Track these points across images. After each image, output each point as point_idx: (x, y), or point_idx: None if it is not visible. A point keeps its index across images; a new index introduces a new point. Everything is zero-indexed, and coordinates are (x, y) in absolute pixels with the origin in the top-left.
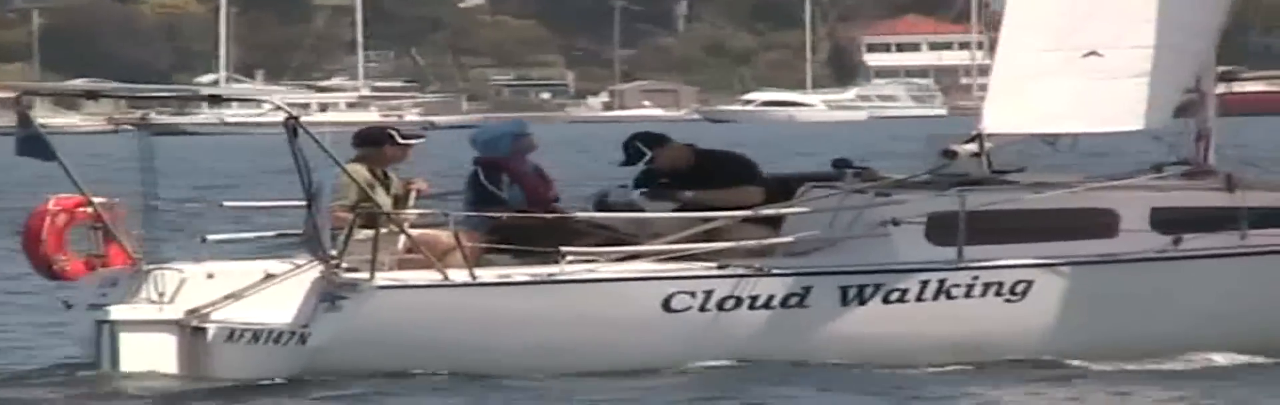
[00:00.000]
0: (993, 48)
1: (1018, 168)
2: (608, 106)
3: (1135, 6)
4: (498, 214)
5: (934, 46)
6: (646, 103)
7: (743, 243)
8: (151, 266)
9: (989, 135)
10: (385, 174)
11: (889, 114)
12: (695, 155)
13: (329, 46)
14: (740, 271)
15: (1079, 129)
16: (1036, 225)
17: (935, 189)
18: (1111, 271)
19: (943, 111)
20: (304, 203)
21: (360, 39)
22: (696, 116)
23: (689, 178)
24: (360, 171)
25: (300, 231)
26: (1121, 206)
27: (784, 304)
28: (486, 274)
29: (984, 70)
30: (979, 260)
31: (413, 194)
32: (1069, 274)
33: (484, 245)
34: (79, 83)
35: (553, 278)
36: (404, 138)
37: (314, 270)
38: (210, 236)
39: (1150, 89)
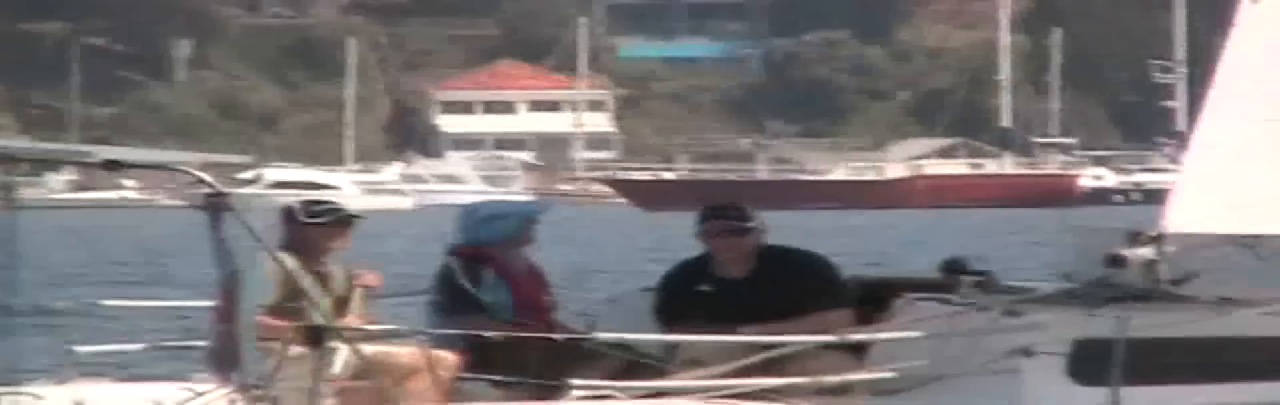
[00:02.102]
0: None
1: (1188, 275)
2: (76, 186)
3: None
4: (491, 333)
5: (537, 106)
6: (129, 182)
7: (820, 378)
8: (2, 390)
9: (1170, 236)
10: (321, 265)
11: (448, 201)
12: (757, 255)
13: None
14: None
15: None
16: (1220, 359)
17: (1084, 306)
18: None
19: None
20: (218, 303)
21: None
22: (177, 201)
23: (745, 286)
24: (285, 261)
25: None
26: None
27: None
28: None
29: (601, 143)
30: None
31: (359, 293)
32: None
33: (467, 375)
34: None
35: None
36: (312, 215)
37: (225, 401)
38: (78, 347)
39: None
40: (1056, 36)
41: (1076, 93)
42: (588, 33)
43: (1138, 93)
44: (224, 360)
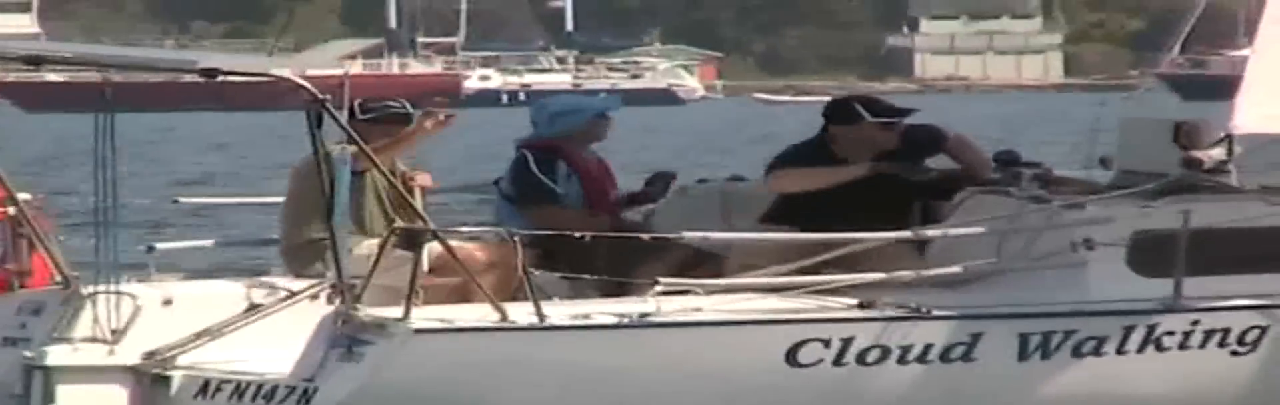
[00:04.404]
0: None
1: (1220, 163)
2: None
3: None
4: (581, 233)
5: None
6: None
7: (896, 274)
8: (92, 289)
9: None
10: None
11: None
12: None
13: None
14: (891, 313)
15: None
16: (1274, 250)
17: (1142, 198)
18: None
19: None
20: (322, 209)
21: None
22: None
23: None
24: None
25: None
26: None
27: (944, 358)
28: (557, 313)
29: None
30: (1204, 297)
31: (417, 193)
32: None
33: (561, 274)
34: (12, 44)
35: (649, 320)
36: (366, 112)
37: (314, 301)
38: (158, 245)
39: None
40: None
41: None
42: None
43: None
44: (301, 256)
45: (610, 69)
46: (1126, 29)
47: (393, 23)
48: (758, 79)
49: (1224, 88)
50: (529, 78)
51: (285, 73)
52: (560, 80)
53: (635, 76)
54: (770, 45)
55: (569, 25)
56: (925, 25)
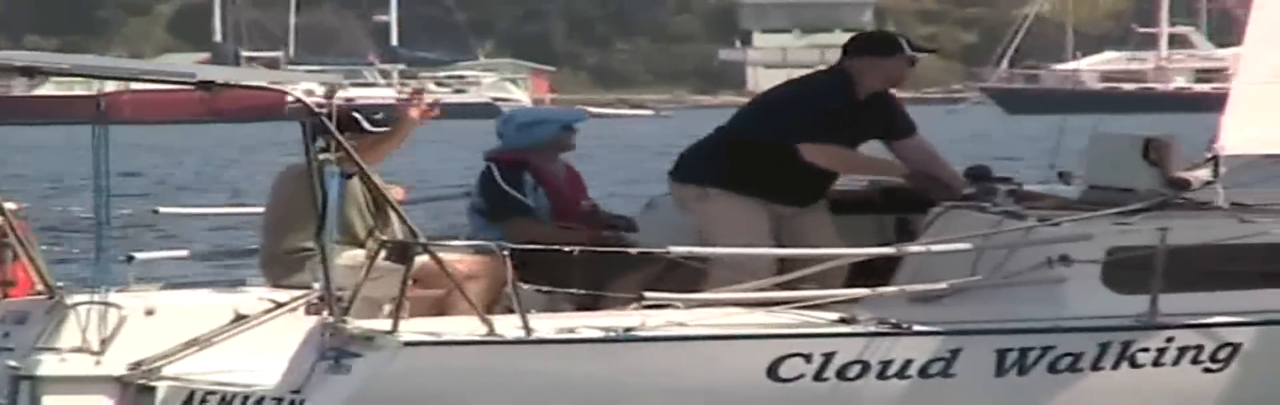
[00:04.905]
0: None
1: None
2: None
3: None
4: (571, 246)
5: None
6: None
7: (878, 290)
8: (78, 299)
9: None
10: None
11: None
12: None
13: None
14: (872, 328)
15: None
16: (1246, 268)
17: (1118, 215)
18: None
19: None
20: (307, 218)
21: None
22: None
23: (874, 106)
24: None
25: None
26: None
27: (923, 373)
28: (543, 326)
29: None
30: (1177, 314)
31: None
32: None
33: (548, 288)
34: (10, 54)
35: (634, 334)
36: (375, 124)
37: (299, 312)
38: (137, 255)
39: None
40: None
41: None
42: None
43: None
44: (283, 266)
45: (437, 83)
46: (959, 42)
47: (218, 36)
48: (590, 92)
49: (1050, 101)
50: (353, 92)
51: (283, 86)
52: (384, 94)
53: (459, 91)
54: (603, 59)
55: (394, 39)
56: (758, 39)
